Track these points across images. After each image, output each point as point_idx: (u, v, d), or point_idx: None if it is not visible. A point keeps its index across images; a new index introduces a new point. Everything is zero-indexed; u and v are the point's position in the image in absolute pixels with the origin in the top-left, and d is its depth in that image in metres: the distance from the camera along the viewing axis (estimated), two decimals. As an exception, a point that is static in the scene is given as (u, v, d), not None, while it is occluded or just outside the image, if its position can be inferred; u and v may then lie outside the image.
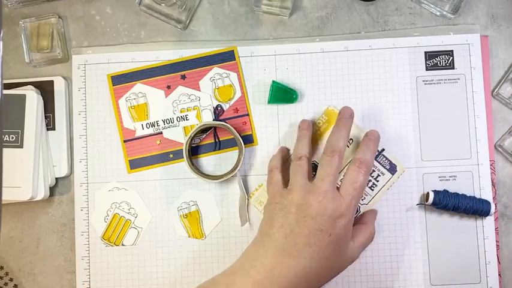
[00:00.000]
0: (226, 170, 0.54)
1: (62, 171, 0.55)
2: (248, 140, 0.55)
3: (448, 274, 0.53)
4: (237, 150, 0.55)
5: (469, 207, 0.52)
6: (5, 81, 0.55)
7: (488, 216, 0.53)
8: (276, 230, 0.46)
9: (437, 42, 0.55)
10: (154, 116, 0.56)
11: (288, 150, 0.55)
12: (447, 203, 0.51)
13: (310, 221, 0.45)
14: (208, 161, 0.55)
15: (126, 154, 0.55)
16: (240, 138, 0.53)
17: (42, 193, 0.53)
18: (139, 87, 0.56)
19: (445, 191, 0.52)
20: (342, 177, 0.50)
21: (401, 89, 0.55)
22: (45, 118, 0.55)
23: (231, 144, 0.55)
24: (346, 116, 0.51)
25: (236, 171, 0.53)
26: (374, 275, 0.53)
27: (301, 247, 0.45)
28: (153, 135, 0.56)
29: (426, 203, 0.52)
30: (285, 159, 0.54)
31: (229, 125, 0.53)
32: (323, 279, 0.47)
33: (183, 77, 0.56)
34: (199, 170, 0.54)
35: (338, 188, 0.48)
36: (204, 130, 0.55)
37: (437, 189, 0.53)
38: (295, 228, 0.46)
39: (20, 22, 0.56)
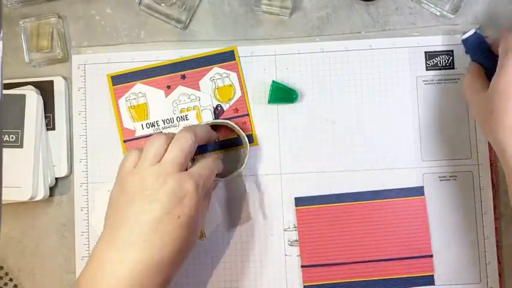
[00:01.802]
0: (227, 169, 0.54)
1: (62, 171, 0.55)
2: (248, 140, 0.55)
3: (449, 274, 0.53)
4: (241, 150, 0.55)
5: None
6: (5, 81, 0.55)
7: None
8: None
9: (437, 42, 0.55)
10: (154, 116, 0.56)
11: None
12: (482, 45, 0.51)
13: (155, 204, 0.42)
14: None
15: (126, 154, 0.55)
16: (244, 134, 0.53)
17: (42, 193, 0.53)
18: (139, 87, 0.56)
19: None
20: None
21: (402, 89, 0.55)
22: (45, 118, 0.55)
23: (230, 144, 0.55)
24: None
25: (242, 168, 0.53)
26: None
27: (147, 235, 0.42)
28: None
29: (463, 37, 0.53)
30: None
31: (232, 123, 0.53)
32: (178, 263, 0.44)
33: (183, 77, 0.56)
34: None
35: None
36: None
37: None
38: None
39: (20, 22, 0.56)
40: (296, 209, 0.54)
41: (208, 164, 0.47)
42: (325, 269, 0.54)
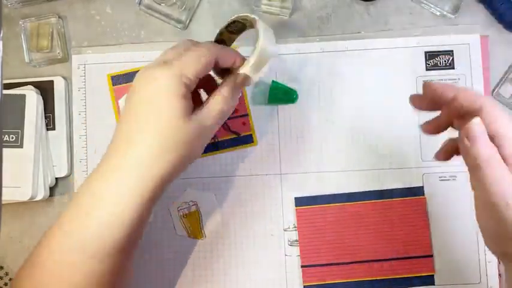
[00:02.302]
0: (227, 170, 0.54)
1: (62, 171, 0.55)
2: (247, 140, 0.55)
3: (448, 274, 0.53)
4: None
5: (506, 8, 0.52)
6: (5, 81, 0.55)
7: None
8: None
9: (437, 42, 0.55)
10: (154, 116, 0.56)
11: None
12: None
13: None
14: (208, 161, 0.55)
15: (126, 154, 0.55)
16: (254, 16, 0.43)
17: (42, 193, 0.53)
18: (139, 87, 0.56)
19: None
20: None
21: (402, 89, 0.55)
22: (45, 118, 0.55)
23: (230, 144, 0.55)
24: None
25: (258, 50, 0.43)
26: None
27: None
28: (153, 135, 0.55)
29: None
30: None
31: (256, 17, 0.43)
32: None
33: (183, 77, 0.56)
34: None
35: None
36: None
37: None
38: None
39: (20, 22, 0.56)
40: (296, 209, 0.54)
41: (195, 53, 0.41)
42: (325, 269, 0.54)
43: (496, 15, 0.54)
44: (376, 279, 0.53)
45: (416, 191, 0.54)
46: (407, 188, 0.54)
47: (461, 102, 0.39)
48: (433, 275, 0.53)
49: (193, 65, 0.40)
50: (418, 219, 0.54)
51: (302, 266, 0.54)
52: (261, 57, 0.43)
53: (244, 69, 0.43)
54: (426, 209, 0.54)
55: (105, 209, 0.39)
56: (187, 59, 0.40)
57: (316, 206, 0.54)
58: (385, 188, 0.54)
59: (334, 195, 0.54)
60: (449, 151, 0.42)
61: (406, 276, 0.53)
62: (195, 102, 0.43)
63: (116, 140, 0.41)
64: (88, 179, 0.41)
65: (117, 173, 0.39)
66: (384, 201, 0.54)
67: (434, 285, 0.53)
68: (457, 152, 0.41)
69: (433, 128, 0.43)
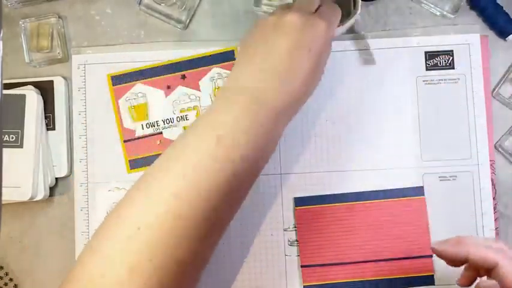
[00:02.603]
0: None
1: (62, 171, 0.55)
2: (248, 140, 0.55)
3: (448, 274, 0.53)
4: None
5: (499, 18, 0.53)
6: (5, 81, 0.55)
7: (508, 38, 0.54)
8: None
9: (437, 42, 0.55)
10: (154, 116, 0.56)
11: None
12: None
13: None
14: (208, 161, 0.55)
15: (126, 154, 0.55)
16: None
17: (42, 193, 0.53)
18: (139, 87, 0.56)
19: None
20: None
21: (402, 89, 0.55)
22: (45, 118, 0.55)
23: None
24: None
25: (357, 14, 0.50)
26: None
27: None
28: (153, 135, 0.56)
29: None
30: None
31: None
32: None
33: (183, 77, 0.56)
34: None
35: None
36: None
37: None
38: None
39: (20, 22, 0.56)
40: (296, 209, 0.54)
41: (335, 7, 0.47)
42: (325, 269, 0.54)
43: (488, 23, 0.54)
44: (376, 279, 0.53)
45: (417, 191, 0.54)
46: (407, 188, 0.54)
47: (475, 261, 0.38)
48: (433, 275, 0.53)
49: None
50: (418, 219, 0.54)
51: (302, 266, 0.54)
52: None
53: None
54: (426, 209, 0.54)
55: None
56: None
57: (316, 206, 0.54)
58: (385, 188, 0.54)
59: (334, 195, 0.54)
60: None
61: (406, 276, 0.53)
62: None
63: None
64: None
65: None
66: (384, 201, 0.54)
67: (434, 285, 0.53)
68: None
69: (466, 280, 0.42)
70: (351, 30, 0.55)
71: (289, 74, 0.43)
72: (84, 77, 0.56)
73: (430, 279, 0.53)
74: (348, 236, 0.54)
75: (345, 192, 0.54)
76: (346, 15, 0.52)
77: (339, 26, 0.49)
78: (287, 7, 0.46)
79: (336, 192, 0.54)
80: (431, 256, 0.53)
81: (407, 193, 0.54)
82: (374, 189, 0.54)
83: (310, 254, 0.54)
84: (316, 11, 0.46)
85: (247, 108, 0.41)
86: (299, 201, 0.54)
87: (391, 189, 0.54)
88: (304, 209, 0.54)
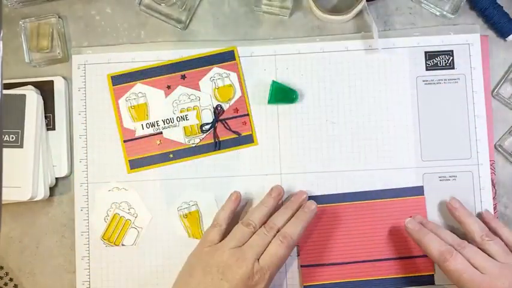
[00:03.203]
0: (227, 170, 0.55)
1: (62, 171, 0.55)
2: (248, 140, 0.55)
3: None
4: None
5: (499, 17, 0.53)
6: (5, 81, 0.55)
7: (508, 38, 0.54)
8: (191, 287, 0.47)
9: (437, 42, 0.55)
10: (154, 116, 0.56)
11: (239, 198, 0.53)
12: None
13: (225, 284, 0.46)
14: (208, 161, 0.55)
15: (126, 154, 0.55)
16: None
17: (42, 193, 0.53)
18: (139, 87, 0.56)
19: None
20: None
21: (401, 89, 0.55)
22: (45, 118, 0.55)
23: (230, 144, 0.55)
24: (306, 209, 0.51)
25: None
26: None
27: None
28: (153, 135, 0.56)
29: None
30: (235, 210, 0.53)
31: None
32: None
33: (183, 77, 0.56)
34: (323, 8, 0.53)
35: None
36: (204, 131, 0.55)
37: None
38: None
39: (20, 22, 0.56)
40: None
41: (279, 254, 0.48)
42: (324, 269, 0.54)
43: (488, 23, 0.54)
44: (376, 279, 0.53)
45: (416, 191, 0.54)
46: (407, 187, 0.54)
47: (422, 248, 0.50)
48: (433, 275, 0.53)
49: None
50: None
51: (302, 266, 0.54)
52: None
53: None
54: (426, 208, 0.54)
55: None
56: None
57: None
58: (385, 188, 0.54)
59: (334, 195, 0.54)
60: None
61: (406, 275, 0.53)
62: None
63: None
64: None
65: None
66: (384, 200, 0.54)
67: (434, 284, 0.53)
68: None
69: None
70: (364, 24, 0.56)
71: None
72: (84, 77, 0.56)
73: (430, 279, 0.53)
74: (347, 236, 0.54)
75: (345, 192, 0.54)
76: (346, 8, 0.53)
77: (345, 13, 0.50)
78: None
79: (335, 192, 0.54)
80: None
81: (406, 193, 0.54)
82: (374, 189, 0.54)
83: (310, 254, 0.54)
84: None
85: None
86: None
87: (390, 189, 0.54)
88: None
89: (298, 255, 0.54)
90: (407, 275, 0.53)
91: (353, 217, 0.54)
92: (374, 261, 0.54)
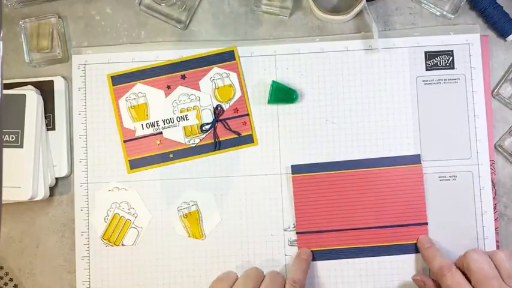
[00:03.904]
0: (227, 170, 0.55)
1: (62, 171, 0.55)
2: (248, 140, 0.55)
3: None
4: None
5: (499, 17, 0.53)
6: (5, 81, 0.55)
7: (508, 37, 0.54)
8: None
9: (437, 42, 0.55)
10: (154, 116, 0.56)
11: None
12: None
13: None
14: (208, 161, 0.55)
15: (126, 154, 0.56)
16: None
17: (42, 193, 0.53)
18: (139, 87, 0.56)
19: None
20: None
21: (402, 89, 0.55)
22: (45, 118, 0.55)
23: (230, 144, 0.55)
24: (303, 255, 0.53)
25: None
26: (373, 274, 0.54)
27: None
28: (153, 135, 0.56)
29: None
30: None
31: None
32: None
33: (183, 77, 0.56)
34: (323, 8, 0.54)
35: None
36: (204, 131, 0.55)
37: None
38: None
39: (20, 22, 0.56)
40: (292, 177, 0.54)
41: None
42: (320, 236, 0.54)
43: (488, 23, 0.54)
44: (371, 246, 0.53)
45: (413, 159, 0.54)
46: (404, 156, 0.54)
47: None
48: None
49: None
50: (414, 187, 0.54)
51: (297, 233, 0.54)
52: None
53: None
54: (422, 177, 0.54)
55: None
56: None
57: (313, 173, 0.54)
58: (382, 156, 0.54)
59: (331, 163, 0.54)
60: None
61: (401, 243, 0.53)
62: None
63: None
64: None
65: None
66: (381, 169, 0.54)
67: None
68: None
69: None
70: (364, 24, 0.56)
71: None
72: (84, 77, 0.56)
73: None
74: (343, 204, 0.54)
75: (343, 160, 0.54)
76: (346, 8, 0.53)
77: (345, 13, 0.50)
78: None
79: (333, 160, 0.54)
80: (426, 224, 0.53)
81: (404, 161, 0.54)
82: (371, 157, 0.54)
83: (306, 221, 0.54)
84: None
85: None
86: (296, 169, 0.54)
87: (388, 157, 0.54)
88: (301, 176, 0.54)
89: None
90: (403, 243, 0.53)
91: (349, 185, 0.54)
92: (369, 229, 0.54)
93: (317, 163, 0.54)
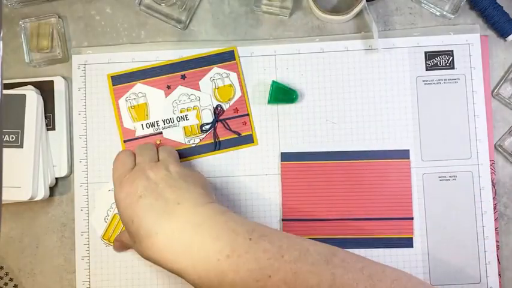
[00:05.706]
0: (227, 170, 0.55)
1: (62, 171, 0.55)
2: (248, 140, 0.55)
3: (448, 274, 0.53)
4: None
5: (499, 17, 0.53)
6: (5, 81, 0.55)
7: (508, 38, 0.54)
8: None
9: (437, 42, 0.55)
10: (154, 116, 0.56)
11: None
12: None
13: None
14: (208, 161, 0.55)
15: (126, 154, 0.55)
16: None
17: (42, 193, 0.53)
18: (139, 87, 0.56)
19: None
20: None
21: (402, 89, 0.55)
22: (45, 118, 0.55)
23: (230, 144, 0.55)
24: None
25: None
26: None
27: None
28: (153, 135, 0.56)
29: None
30: None
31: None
32: None
33: (183, 77, 0.56)
34: (323, 8, 0.54)
35: None
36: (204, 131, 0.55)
37: None
38: None
39: (20, 22, 0.56)
40: (281, 164, 0.54)
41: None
42: (305, 224, 0.54)
43: (488, 23, 0.55)
44: (356, 238, 0.54)
45: (402, 154, 0.54)
46: (393, 150, 0.54)
47: None
48: (412, 238, 0.53)
49: None
50: (401, 182, 0.54)
51: (283, 220, 0.54)
52: None
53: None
54: (410, 172, 0.54)
55: None
56: None
57: (302, 162, 0.54)
58: (371, 149, 0.54)
59: (321, 152, 0.54)
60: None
61: (386, 236, 0.53)
62: None
63: None
64: None
65: None
66: (369, 161, 0.54)
67: (412, 247, 0.53)
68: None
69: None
70: (364, 24, 0.56)
71: None
72: (84, 77, 0.56)
73: (409, 241, 0.53)
74: (330, 194, 0.54)
75: (332, 150, 0.54)
76: (346, 8, 0.53)
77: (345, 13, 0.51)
78: None
79: (323, 150, 0.54)
80: (411, 219, 0.53)
81: (393, 155, 0.54)
82: (360, 150, 0.54)
83: (292, 208, 0.54)
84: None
85: None
86: (285, 157, 0.54)
87: (377, 150, 0.54)
88: (290, 164, 0.54)
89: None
90: (388, 236, 0.53)
91: (338, 176, 0.54)
92: (355, 220, 0.54)
93: (307, 152, 0.54)
